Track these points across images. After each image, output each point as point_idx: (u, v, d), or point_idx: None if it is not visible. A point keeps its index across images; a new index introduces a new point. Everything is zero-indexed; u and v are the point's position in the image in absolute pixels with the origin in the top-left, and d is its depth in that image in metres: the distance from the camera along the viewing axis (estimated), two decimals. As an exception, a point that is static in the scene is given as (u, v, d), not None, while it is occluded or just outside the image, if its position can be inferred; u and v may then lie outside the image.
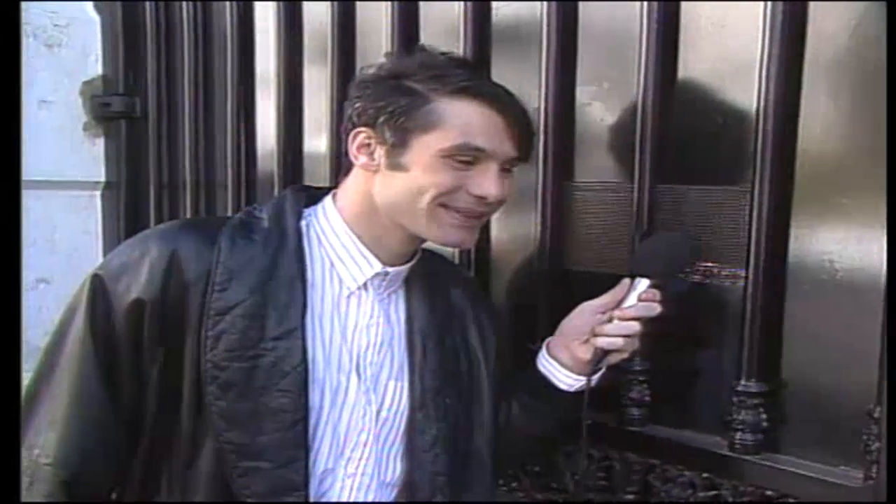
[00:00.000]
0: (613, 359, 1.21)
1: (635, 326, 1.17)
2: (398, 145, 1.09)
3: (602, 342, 1.18)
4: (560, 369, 1.24)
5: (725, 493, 1.24)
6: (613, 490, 1.35)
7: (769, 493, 1.20)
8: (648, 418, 1.34)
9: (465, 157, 1.08)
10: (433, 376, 1.18)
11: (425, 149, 1.08)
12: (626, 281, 1.20)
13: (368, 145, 1.12)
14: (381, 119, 1.09)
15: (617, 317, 1.18)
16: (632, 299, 1.18)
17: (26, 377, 1.14)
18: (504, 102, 1.11)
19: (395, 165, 1.10)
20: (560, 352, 1.24)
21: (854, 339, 1.13)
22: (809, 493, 1.16)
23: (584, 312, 1.23)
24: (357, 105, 1.12)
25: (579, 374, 1.22)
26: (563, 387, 1.24)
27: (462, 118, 1.07)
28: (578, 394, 1.22)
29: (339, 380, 1.14)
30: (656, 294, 1.17)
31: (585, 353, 1.20)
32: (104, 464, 1.12)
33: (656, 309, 1.17)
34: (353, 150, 1.13)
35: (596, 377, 1.20)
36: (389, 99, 1.09)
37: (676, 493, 1.28)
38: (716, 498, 1.25)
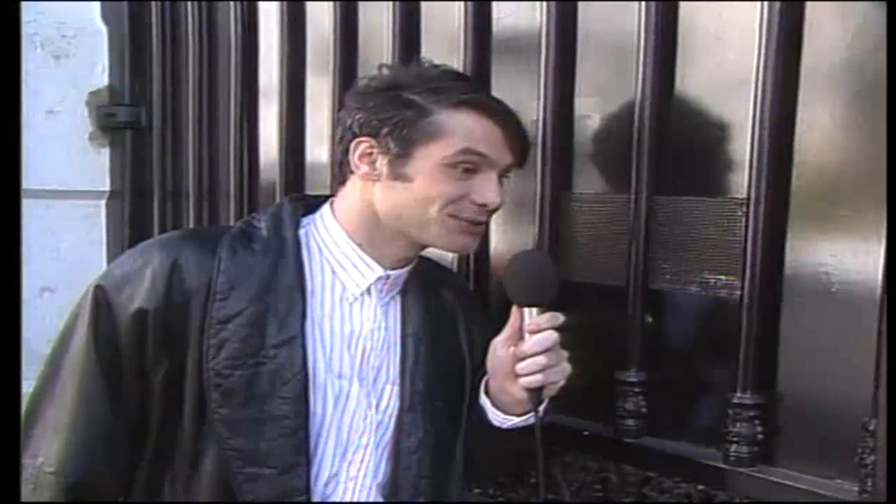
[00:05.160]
0: (550, 391, 1.11)
1: (542, 360, 1.07)
2: (402, 155, 1.11)
3: (524, 383, 1.09)
4: (490, 408, 1.17)
5: (721, 505, 1.23)
6: (609, 502, 1.35)
7: (764, 505, 1.19)
8: (644, 430, 1.34)
9: (468, 164, 1.10)
10: (424, 379, 1.18)
11: (428, 158, 1.10)
12: (515, 310, 1.11)
13: (370, 154, 1.13)
14: (385, 130, 1.11)
15: (520, 356, 1.09)
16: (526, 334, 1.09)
17: (28, 385, 1.15)
18: (501, 114, 1.13)
19: (398, 175, 1.11)
20: (498, 393, 1.16)
21: (850, 352, 1.13)
22: (804, 505, 1.15)
23: (496, 349, 1.14)
24: (358, 116, 1.14)
25: (521, 414, 1.14)
26: (496, 423, 1.17)
27: (464, 128, 1.10)
28: (513, 430, 1.16)
29: (342, 385, 1.15)
30: (540, 323, 1.08)
31: (521, 392, 1.11)
32: (108, 471, 1.13)
33: (553, 337, 1.08)
34: (354, 159, 1.14)
35: (542, 408, 1.11)
36: (393, 111, 1.11)
37: (672, 505, 1.28)
38: (711, 510, 1.24)
